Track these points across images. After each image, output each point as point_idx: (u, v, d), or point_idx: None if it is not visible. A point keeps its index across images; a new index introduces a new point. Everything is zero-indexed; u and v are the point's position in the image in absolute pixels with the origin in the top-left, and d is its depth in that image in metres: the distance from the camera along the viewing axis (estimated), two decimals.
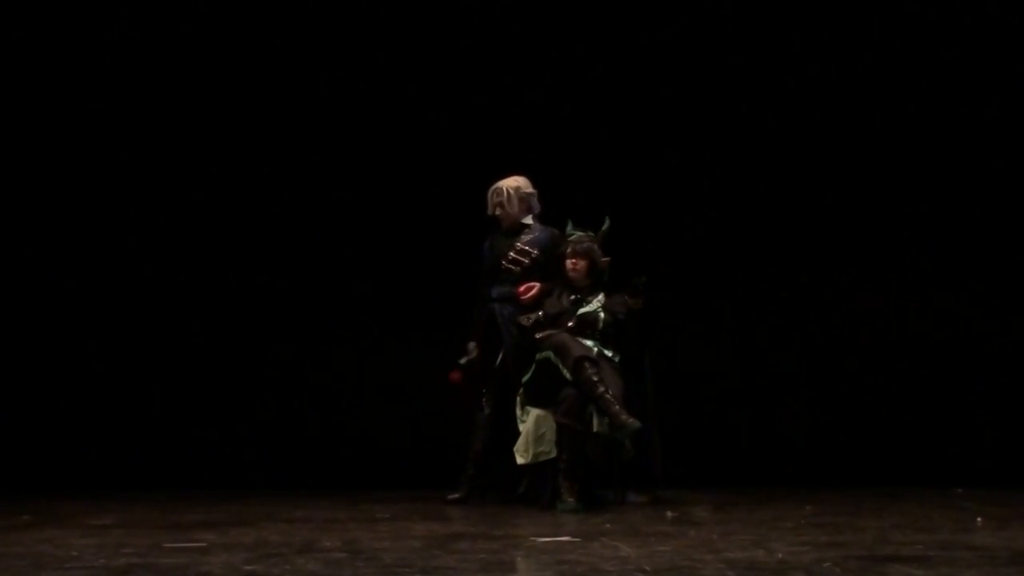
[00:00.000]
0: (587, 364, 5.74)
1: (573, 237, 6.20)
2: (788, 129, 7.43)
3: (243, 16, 7.67)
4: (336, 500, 6.33)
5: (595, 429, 5.74)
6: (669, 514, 5.40)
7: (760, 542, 4.29)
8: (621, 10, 7.54)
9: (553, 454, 5.89)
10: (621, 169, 7.45)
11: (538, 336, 6.04)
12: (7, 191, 7.70)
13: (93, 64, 7.70)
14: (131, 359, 7.64)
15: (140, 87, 7.71)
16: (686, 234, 7.44)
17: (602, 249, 6.20)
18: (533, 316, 6.14)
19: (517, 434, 6.06)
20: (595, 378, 5.69)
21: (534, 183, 6.45)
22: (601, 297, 6.16)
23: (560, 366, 5.80)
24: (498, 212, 6.42)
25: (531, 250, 6.39)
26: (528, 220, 6.45)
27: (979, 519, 5.01)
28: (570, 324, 6.04)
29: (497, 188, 6.41)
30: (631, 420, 5.60)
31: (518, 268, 6.37)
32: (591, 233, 6.21)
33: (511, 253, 6.40)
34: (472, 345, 6.40)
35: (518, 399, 6.12)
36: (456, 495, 6.28)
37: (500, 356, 6.31)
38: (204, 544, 4.43)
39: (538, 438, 5.95)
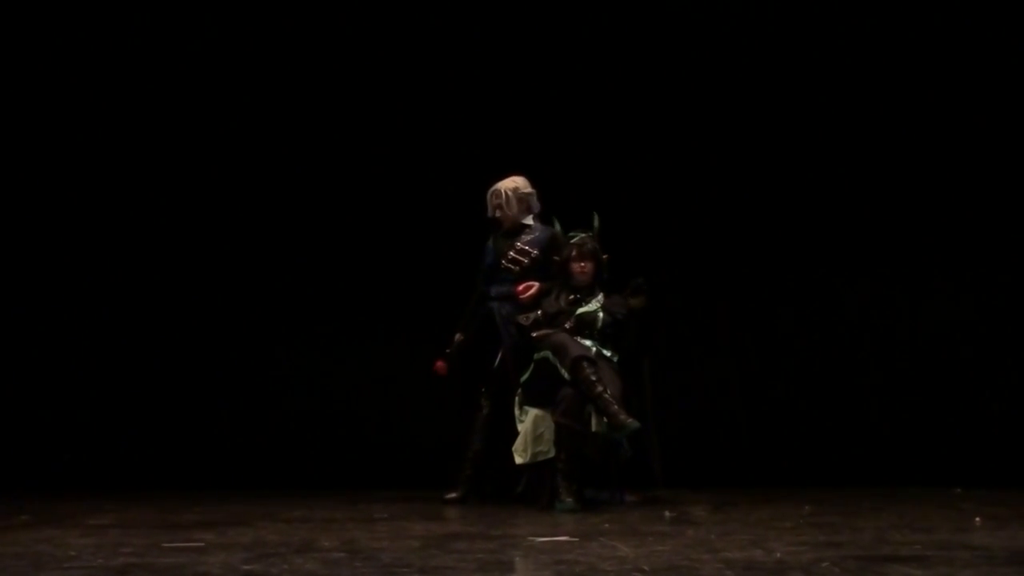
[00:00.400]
0: (585, 364, 5.74)
1: (576, 240, 6.19)
2: (788, 129, 7.44)
3: (243, 16, 7.68)
4: (334, 500, 6.33)
5: (593, 429, 5.74)
6: (667, 514, 5.40)
7: (758, 542, 4.29)
8: (621, 11, 7.54)
9: (551, 454, 5.89)
10: (621, 169, 7.45)
11: (535, 335, 6.04)
12: (7, 191, 7.71)
13: (93, 64, 7.71)
14: (130, 359, 7.65)
15: (137, 87, 7.72)
16: (686, 234, 7.45)
17: (600, 246, 6.20)
18: (532, 315, 6.14)
19: (515, 434, 6.06)
20: (593, 378, 5.69)
21: (532, 183, 6.45)
22: (600, 297, 6.16)
23: (558, 366, 5.80)
24: (497, 214, 6.43)
25: (531, 250, 6.40)
26: (528, 220, 6.46)
27: (977, 519, 5.00)
28: (568, 324, 6.04)
29: (495, 190, 6.42)
30: (630, 420, 5.60)
31: (517, 268, 6.38)
32: (590, 233, 6.21)
33: (510, 252, 6.41)
34: (458, 336, 6.42)
35: (516, 399, 6.12)
36: (454, 495, 6.29)
37: (499, 356, 6.31)
38: (202, 544, 4.43)
39: (536, 438, 5.95)
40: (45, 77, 7.70)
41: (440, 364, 6.47)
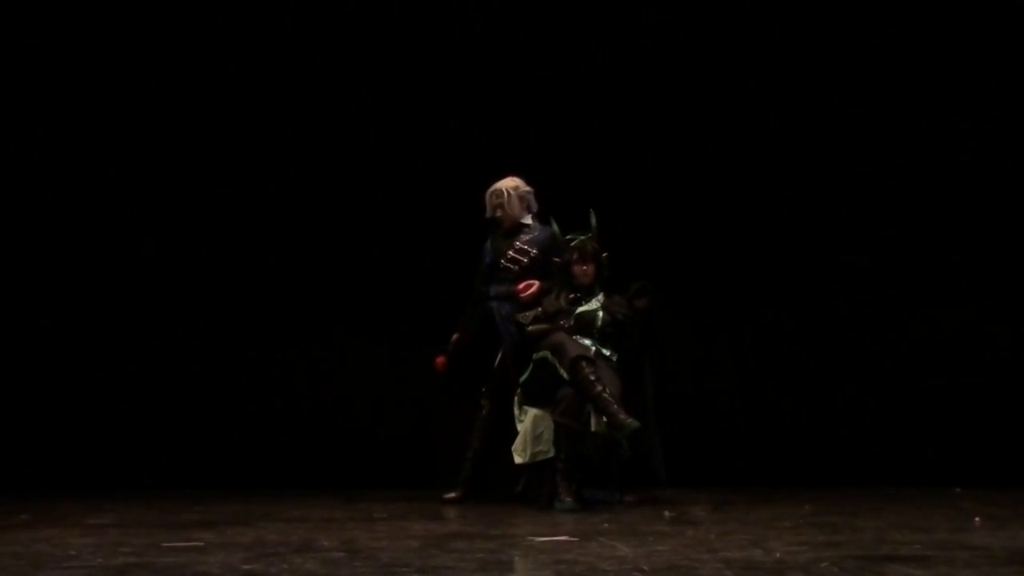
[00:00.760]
0: (584, 363, 5.74)
1: (576, 243, 6.18)
2: (788, 129, 7.43)
3: (243, 16, 7.68)
4: (334, 499, 6.33)
5: (593, 428, 5.74)
6: (667, 514, 5.40)
7: (758, 542, 4.29)
8: (620, 12, 7.54)
9: (551, 454, 5.89)
10: (622, 171, 7.44)
11: (530, 328, 6.04)
12: (7, 192, 7.71)
13: (93, 64, 7.71)
14: (129, 359, 7.64)
15: (137, 87, 7.72)
16: (687, 235, 7.44)
17: (600, 245, 6.20)
18: (531, 314, 6.14)
19: (515, 434, 6.06)
20: (592, 377, 5.69)
21: (529, 182, 6.47)
22: (600, 297, 6.16)
23: (557, 366, 5.80)
24: (499, 213, 6.43)
25: (530, 249, 6.40)
26: (527, 220, 6.46)
27: (977, 519, 5.00)
28: (568, 323, 6.04)
29: (496, 190, 6.42)
30: (629, 420, 5.60)
31: (516, 267, 6.38)
32: (588, 234, 6.20)
33: (509, 252, 6.41)
34: (455, 336, 6.43)
35: (516, 399, 6.12)
36: (453, 495, 6.28)
37: (499, 356, 6.31)
38: (202, 543, 4.43)
39: (536, 438, 5.95)
40: (45, 77, 7.70)
41: (440, 360, 6.48)
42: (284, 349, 7.66)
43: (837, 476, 6.97)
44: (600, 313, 6.09)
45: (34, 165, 7.73)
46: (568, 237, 6.22)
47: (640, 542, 4.33)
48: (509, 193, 6.41)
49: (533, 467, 6.02)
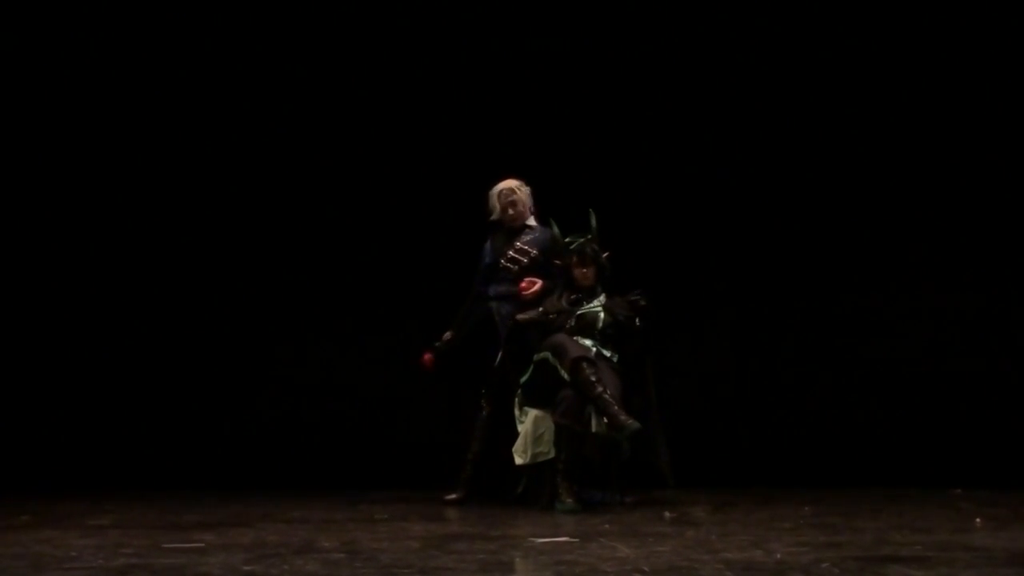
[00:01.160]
0: (585, 364, 5.73)
1: (575, 246, 6.17)
2: (788, 129, 7.44)
3: (243, 16, 7.68)
4: (334, 500, 6.33)
5: (593, 429, 5.74)
6: (667, 514, 5.40)
7: (758, 543, 4.29)
8: (621, 12, 7.54)
9: (552, 455, 5.89)
10: (623, 172, 7.45)
11: (520, 317, 6.04)
12: (6, 192, 7.71)
13: (92, 64, 7.70)
14: (129, 360, 7.64)
15: (137, 87, 7.72)
16: (687, 236, 7.44)
17: (600, 246, 6.20)
18: (532, 313, 6.13)
19: (515, 435, 6.06)
20: (593, 378, 5.69)
21: (527, 184, 6.48)
22: (602, 298, 6.16)
23: (558, 367, 5.80)
24: (510, 211, 6.42)
25: (530, 250, 6.40)
26: (530, 221, 6.46)
27: (978, 520, 5.01)
28: (569, 324, 6.04)
29: (507, 188, 6.41)
30: (630, 421, 5.59)
31: (516, 267, 6.38)
32: (588, 235, 6.19)
33: (510, 252, 6.41)
34: (448, 334, 6.43)
35: (516, 400, 6.12)
36: (454, 496, 6.28)
37: (498, 356, 6.31)
38: (202, 544, 4.43)
39: (536, 439, 5.95)
40: (45, 77, 7.70)
41: (427, 357, 6.47)
42: (284, 350, 7.66)
43: (837, 477, 6.96)
44: (601, 314, 6.09)
45: (36, 166, 7.73)
46: (568, 239, 6.21)
47: (641, 543, 4.33)
48: (519, 192, 6.41)
49: (534, 468, 6.02)
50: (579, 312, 6.09)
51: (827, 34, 7.41)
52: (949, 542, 4.28)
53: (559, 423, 5.79)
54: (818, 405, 7.31)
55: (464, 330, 6.47)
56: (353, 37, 7.68)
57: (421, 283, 7.37)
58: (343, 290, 7.60)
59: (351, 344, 7.59)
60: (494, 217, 6.47)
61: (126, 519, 5.49)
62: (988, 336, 7.21)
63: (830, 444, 7.20)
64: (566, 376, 5.76)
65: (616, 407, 5.62)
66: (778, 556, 3.93)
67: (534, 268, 6.36)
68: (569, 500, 5.68)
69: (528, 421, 6.00)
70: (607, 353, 6.02)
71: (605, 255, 6.19)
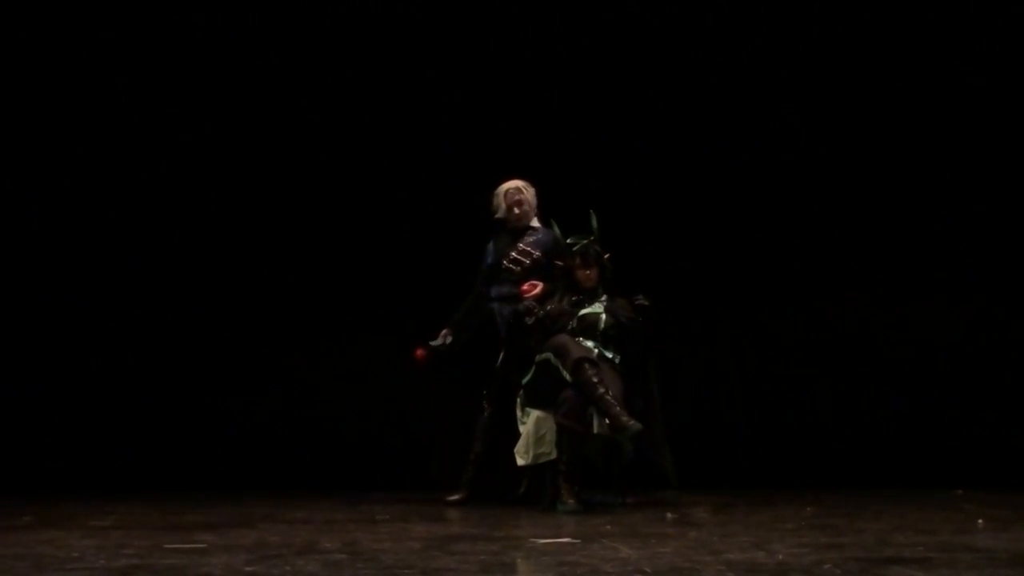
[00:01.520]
0: (587, 365, 5.73)
1: (577, 248, 6.17)
2: (788, 130, 7.44)
3: (245, 15, 7.68)
4: (336, 501, 6.33)
5: (595, 431, 5.73)
6: (669, 515, 5.40)
7: (760, 544, 4.29)
8: (621, 12, 7.54)
9: (553, 455, 5.88)
10: (623, 173, 7.45)
11: (519, 308, 6.05)
12: (8, 192, 7.71)
13: (92, 64, 7.71)
14: (131, 360, 7.64)
15: (138, 87, 7.72)
16: (688, 236, 7.44)
17: (601, 246, 6.20)
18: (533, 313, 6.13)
19: (517, 435, 6.06)
20: (595, 379, 5.69)
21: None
22: (604, 299, 6.16)
23: (560, 367, 5.80)
24: (516, 211, 6.41)
25: (533, 251, 6.39)
26: (534, 222, 6.46)
27: (980, 521, 5.00)
28: (571, 325, 6.04)
29: (514, 187, 6.41)
30: (632, 422, 5.59)
31: (519, 268, 6.38)
32: (590, 237, 6.19)
33: (512, 253, 6.41)
34: (444, 332, 6.42)
35: (518, 400, 6.12)
36: (456, 496, 6.28)
37: (500, 357, 6.31)
38: (204, 545, 4.43)
39: (538, 439, 5.95)
40: (45, 77, 7.70)
41: (420, 352, 6.45)
42: (286, 352, 7.66)
43: (839, 478, 6.97)
44: (603, 316, 6.08)
45: (35, 166, 7.73)
46: (569, 241, 6.20)
47: (642, 544, 4.33)
48: (526, 191, 6.41)
49: (535, 469, 6.02)
50: (581, 313, 6.09)
51: (827, 34, 7.41)
52: (951, 543, 4.28)
53: (561, 424, 5.79)
54: (820, 406, 7.32)
55: (465, 331, 6.46)
56: (354, 37, 7.69)
57: (422, 283, 7.36)
58: (345, 291, 7.60)
59: (352, 344, 7.59)
60: (499, 215, 6.46)
61: (128, 520, 5.49)
62: (990, 336, 7.21)
63: (832, 445, 7.20)
64: (568, 377, 5.75)
65: (618, 408, 5.62)
66: (780, 557, 3.93)
67: (536, 270, 6.35)
68: (571, 501, 5.68)
69: (530, 422, 6.00)
70: (609, 354, 6.02)
71: (607, 256, 6.18)
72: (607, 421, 5.65)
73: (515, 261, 6.39)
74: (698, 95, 7.51)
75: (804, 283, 7.43)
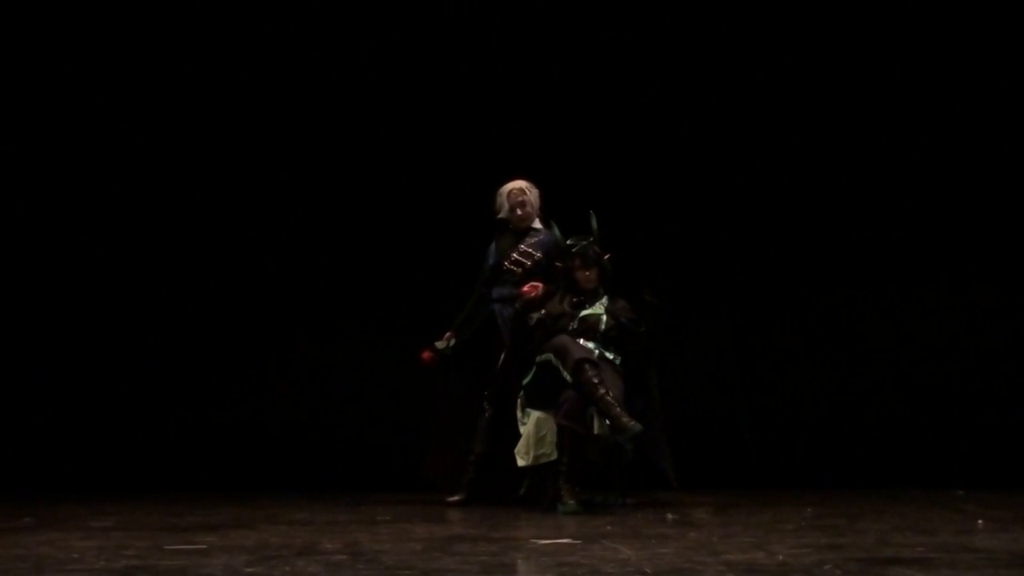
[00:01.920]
0: (587, 366, 5.73)
1: (577, 249, 6.17)
2: (787, 130, 7.44)
3: (245, 15, 7.68)
4: (336, 502, 6.33)
5: (596, 431, 5.73)
6: (669, 516, 5.40)
7: (761, 544, 4.29)
8: (621, 12, 7.55)
9: (554, 456, 5.88)
10: (624, 174, 7.45)
11: (519, 305, 6.04)
12: (6, 192, 7.71)
13: (92, 63, 7.71)
14: (132, 362, 7.65)
15: (138, 87, 7.72)
16: (688, 237, 7.44)
17: (601, 247, 6.20)
18: (535, 315, 6.13)
19: (518, 436, 6.06)
20: (595, 380, 5.69)
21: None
22: (605, 300, 6.15)
23: (560, 368, 5.80)
24: (518, 212, 6.40)
25: (534, 253, 6.39)
26: (536, 224, 6.46)
27: (980, 521, 5.01)
28: (572, 326, 6.04)
29: (518, 188, 6.40)
30: (632, 423, 5.59)
31: (520, 270, 6.37)
32: (590, 238, 6.19)
33: (514, 254, 6.40)
34: (448, 334, 6.43)
35: (519, 401, 6.12)
36: (456, 497, 6.28)
37: (501, 358, 6.31)
38: (204, 546, 4.43)
39: (539, 440, 5.95)
40: (45, 77, 7.70)
41: (427, 355, 6.46)
42: (286, 352, 7.66)
43: (839, 478, 6.97)
44: (604, 317, 6.08)
45: (35, 166, 7.74)
46: (569, 242, 6.20)
47: (643, 545, 4.33)
48: (529, 192, 6.41)
49: (536, 470, 6.02)
50: (582, 315, 6.08)
51: (827, 34, 7.42)
52: (952, 544, 4.28)
53: (561, 425, 5.79)
54: (820, 406, 7.31)
55: (467, 332, 6.46)
56: (355, 37, 7.69)
57: (422, 283, 7.37)
58: (346, 291, 7.60)
59: (354, 345, 7.59)
60: (501, 215, 6.45)
61: (128, 521, 5.49)
62: (991, 337, 7.21)
63: (832, 445, 7.20)
64: (568, 378, 5.75)
65: (618, 409, 5.62)
66: (780, 558, 3.93)
67: (538, 271, 6.35)
68: (571, 502, 5.68)
69: (530, 423, 6.00)
70: (610, 355, 6.01)
71: (607, 257, 6.18)
72: (607, 422, 5.65)
73: (516, 262, 6.39)
74: (698, 95, 7.51)
75: (804, 283, 7.43)
